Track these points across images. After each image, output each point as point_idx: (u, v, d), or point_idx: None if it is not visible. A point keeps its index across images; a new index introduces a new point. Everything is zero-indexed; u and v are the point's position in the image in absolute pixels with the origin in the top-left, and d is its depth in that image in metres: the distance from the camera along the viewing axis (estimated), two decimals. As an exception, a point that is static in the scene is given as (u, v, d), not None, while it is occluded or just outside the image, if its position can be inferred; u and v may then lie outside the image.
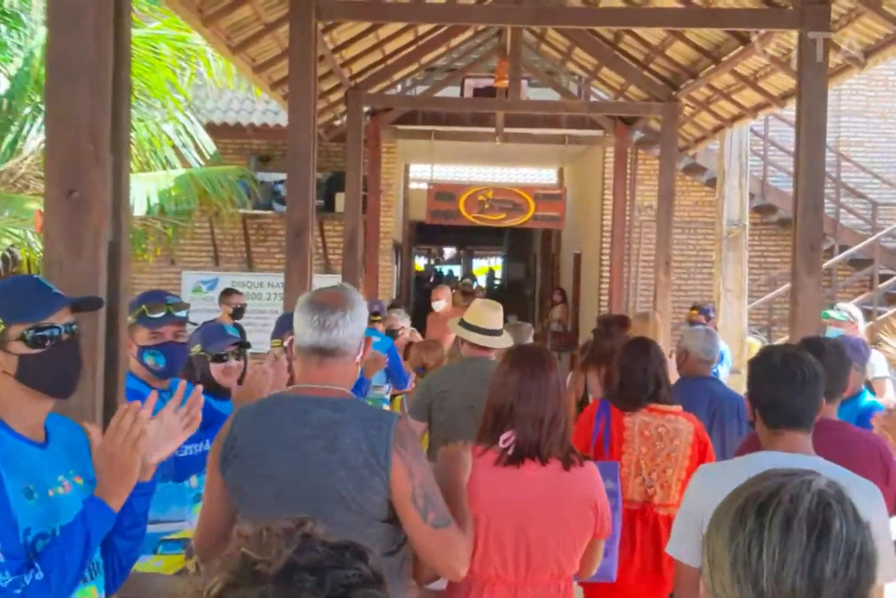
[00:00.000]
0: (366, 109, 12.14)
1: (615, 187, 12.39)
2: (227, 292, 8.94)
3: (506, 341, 4.27)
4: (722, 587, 1.21)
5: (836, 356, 3.25)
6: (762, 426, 2.68)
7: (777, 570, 1.16)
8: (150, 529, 2.68)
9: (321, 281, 12.02)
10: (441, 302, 9.95)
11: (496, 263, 36.59)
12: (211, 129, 11.89)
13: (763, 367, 2.69)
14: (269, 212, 12.94)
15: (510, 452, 2.83)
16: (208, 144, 8.46)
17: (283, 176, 13.11)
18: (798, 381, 2.59)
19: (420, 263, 35.01)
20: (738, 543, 1.19)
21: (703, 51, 8.67)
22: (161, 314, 3.35)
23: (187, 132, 8.37)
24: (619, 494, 3.57)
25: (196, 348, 3.83)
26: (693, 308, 8.16)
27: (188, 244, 13.50)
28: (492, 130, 12.26)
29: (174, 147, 8.33)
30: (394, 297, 14.23)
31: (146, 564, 3.20)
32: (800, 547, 1.16)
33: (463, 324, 4.34)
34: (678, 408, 4.10)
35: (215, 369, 3.81)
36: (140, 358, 3.35)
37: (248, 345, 3.95)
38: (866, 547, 1.18)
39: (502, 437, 2.83)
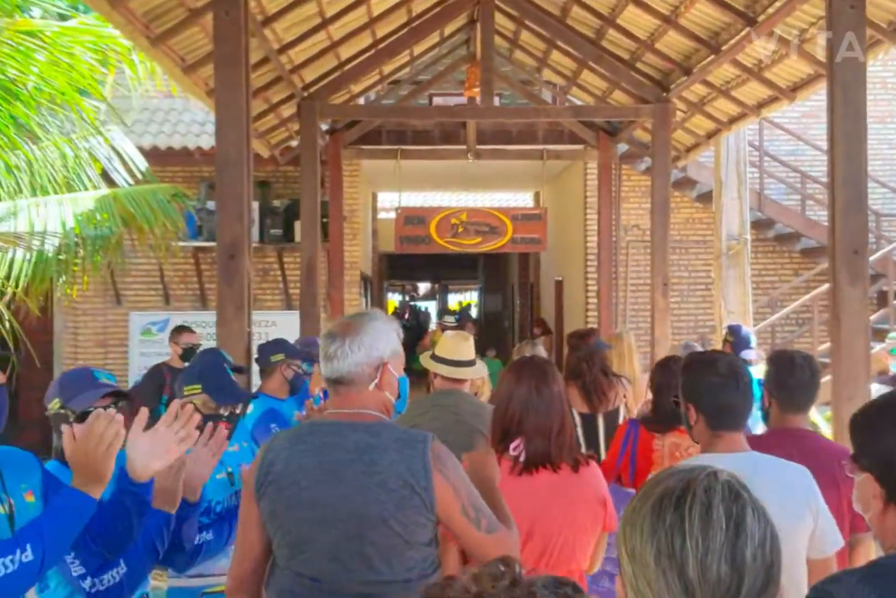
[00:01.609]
0: (324, 127, 11.12)
1: (600, 206, 11.32)
2: (178, 330, 7.76)
3: (479, 372, 4.11)
4: (646, 583, 1.23)
5: (808, 370, 3.31)
6: (703, 430, 2.82)
7: (702, 558, 1.20)
8: (194, 582, 3.15)
9: (281, 318, 10.70)
10: None
11: (472, 297, 35.52)
12: (154, 154, 10.79)
13: (708, 376, 2.80)
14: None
15: (522, 460, 2.95)
16: (139, 162, 7.29)
17: (236, 205, 12.05)
18: (741, 387, 2.78)
19: (394, 299, 33.96)
20: (659, 537, 1.22)
21: (699, 40, 7.64)
22: None
23: (113, 148, 7.20)
24: None
25: (54, 404, 2.75)
26: (728, 335, 7.07)
27: (135, 282, 12.34)
28: (463, 147, 11.21)
29: (97, 164, 7.16)
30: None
31: None
32: (721, 535, 1.20)
33: (434, 357, 4.10)
34: None
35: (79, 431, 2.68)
36: None
37: (125, 396, 2.80)
38: (774, 531, 1.25)
39: (511, 445, 2.94)
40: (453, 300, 36.78)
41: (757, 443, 2.90)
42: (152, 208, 6.54)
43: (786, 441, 3.08)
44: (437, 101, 12.92)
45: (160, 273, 11.99)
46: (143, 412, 2.43)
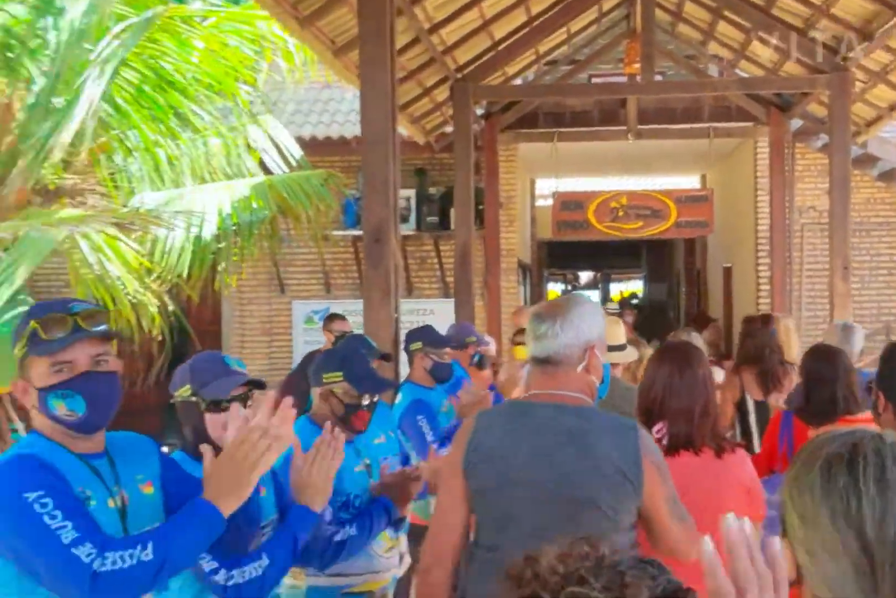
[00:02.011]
0: (479, 111, 10.90)
1: (772, 187, 10.69)
2: (330, 318, 7.74)
3: (629, 356, 4.20)
4: (821, 544, 1.24)
5: None
6: (891, 419, 2.85)
7: (879, 517, 1.20)
8: (334, 581, 3.07)
9: (438, 306, 10.57)
10: None
11: (636, 286, 34.68)
12: (313, 144, 10.85)
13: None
14: (378, 232, 11.74)
15: (664, 442, 2.94)
16: (294, 151, 7.25)
17: (401, 193, 11.96)
18: None
19: (555, 289, 33.51)
20: (834, 499, 1.23)
21: (881, 1, 7.00)
22: (65, 332, 2.08)
23: (269, 137, 7.18)
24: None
25: (184, 391, 2.58)
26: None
27: (297, 271, 12.47)
28: (623, 128, 10.78)
29: (254, 153, 7.16)
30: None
31: None
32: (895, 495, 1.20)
33: None
34: (868, 415, 3.71)
35: (213, 422, 2.53)
36: (44, 407, 2.10)
37: (262, 385, 2.63)
38: None
39: (655, 428, 2.93)
40: (616, 290, 36.02)
41: None
42: (307, 193, 6.47)
43: None
44: (596, 81, 12.53)
45: (321, 262, 12.07)
46: (287, 403, 2.22)
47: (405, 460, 3.94)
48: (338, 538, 2.86)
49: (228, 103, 7.11)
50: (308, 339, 12.67)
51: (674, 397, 3.04)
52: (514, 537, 2.36)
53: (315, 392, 3.20)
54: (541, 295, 20.17)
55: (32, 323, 2.08)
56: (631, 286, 35.56)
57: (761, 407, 5.24)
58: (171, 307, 6.76)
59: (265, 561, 2.40)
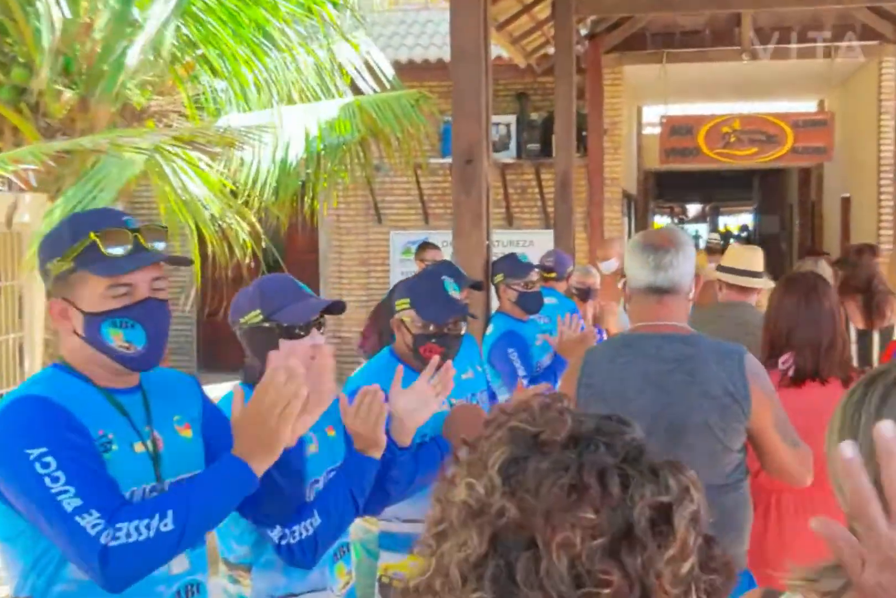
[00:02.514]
0: (583, 31, 10.38)
1: (898, 110, 9.94)
2: (423, 247, 7.52)
3: (767, 283, 4.11)
4: (829, 450, 1.23)
5: None
6: None
7: (870, 431, 1.05)
8: (409, 528, 2.78)
9: (538, 237, 10.19)
10: (612, 262, 7.41)
11: (747, 220, 33.48)
12: (410, 68, 10.53)
13: None
14: (477, 160, 11.39)
15: (791, 374, 2.98)
16: (387, 71, 6.93)
17: (495, 118, 11.54)
18: None
19: (662, 222, 32.63)
20: (845, 410, 1.24)
21: None
22: (126, 251, 1.83)
23: (360, 57, 6.88)
24: None
25: (253, 316, 2.32)
26: None
27: (396, 201, 12.26)
28: (737, 48, 10.13)
29: (345, 72, 6.87)
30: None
31: (401, 564, 2.88)
32: (891, 413, 1.15)
33: (720, 268, 4.17)
34: None
35: (288, 350, 2.27)
36: (94, 335, 1.84)
37: (341, 307, 2.41)
38: None
39: (781, 359, 2.97)
40: (726, 223, 34.90)
41: None
42: (396, 115, 6.17)
43: None
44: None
45: (419, 192, 11.81)
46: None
47: (492, 397, 3.70)
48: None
49: (316, 22, 6.81)
50: (405, 270, 12.48)
51: (800, 328, 3.04)
52: None
53: (392, 322, 2.96)
54: (646, 226, 19.59)
55: (92, 235, 1.81)
56: (742, 220, 34.43)
57: (863, 336, 5.31)
58: (262, 235, 6.61)
59: (317, 520, 2.18)
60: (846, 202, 13.65)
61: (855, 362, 4.90)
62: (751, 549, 2.63)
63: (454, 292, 2.94)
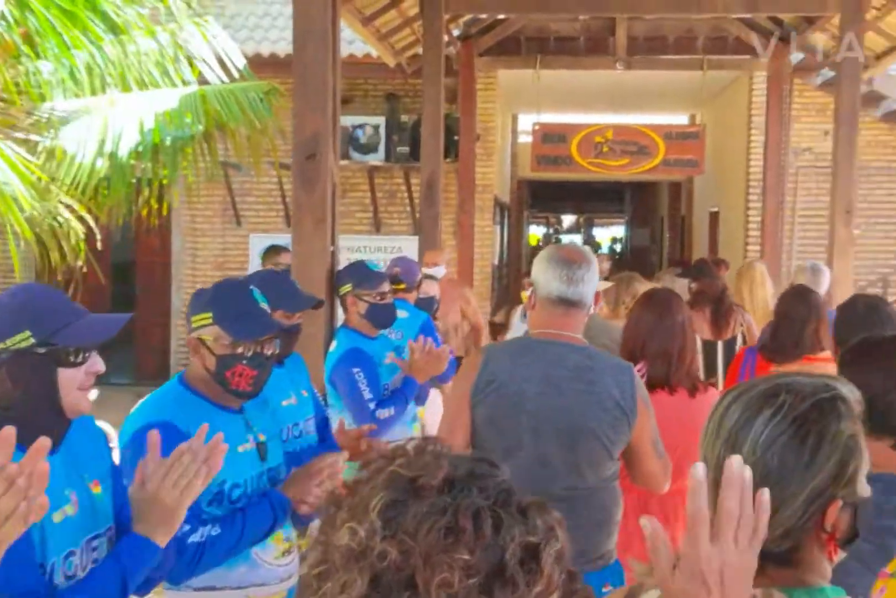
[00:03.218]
0: (456, 32, 9.99)
1: (768, 125, 9.89)
2: (273, 250, 6.91)
3: (604, 284, 4.38)
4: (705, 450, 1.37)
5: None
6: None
7: (712, 440, 1.34)
8: (201, 597, 2.47)
9: (407, 243, 9.67)
10: (440, 269, 6.77)
11: (618, 232, 33.85)
12: (273, 63, 9.94)
13: (850, 312, 3.37)
14: (343, 162, 10.86)
15: (643, 380, 3.03)
16: (237, 60, 6.36)
17: (363, 119, 11.10)
18: (880, 323, 3.25)
19: (537, 233, 32.66)
20: (709, 418, 1.37)
21: None
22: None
23: (208, 42, 6.30)
24: None
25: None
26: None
27: (256, 202, 11.62)
28: (611, 57, 9.91)
29: (190, 60, 6.27)
30: (495, 263, 12.03)
31: None
32: (730, 423, 1.31)
33: None
34: (828, 355, 3.90)
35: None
36: None
37: None
38: (805, 438, 1.29)
39: (636, 368, 2.95)
40: (599, 235, 35.23)
41: None
42: (242, 108, 5.62)
43: None
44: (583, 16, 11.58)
45: (282, 193, 11.20)
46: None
47: (323, 424, 3.21)
48: (194, 539, 2.13)
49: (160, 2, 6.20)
50: (267, 275, 11.90)
51: (654, 340, 3.26)
52: (519, 464, 2.45)
53: (188, 342, 2.41)
54: (520, 237, 19.37)
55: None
56: (613, 232, 34.81)
57: (709, 347, 5.47)
58: (99, 236, 5.95)
59: None
60: (715, 216, 13.68)
61: (700, 372, 5.13)
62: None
63: (265, 305, 2.44)
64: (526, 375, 2.60)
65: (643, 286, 5.49)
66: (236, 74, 6.43)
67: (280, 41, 10.59)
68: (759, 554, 1.09)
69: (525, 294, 4.91)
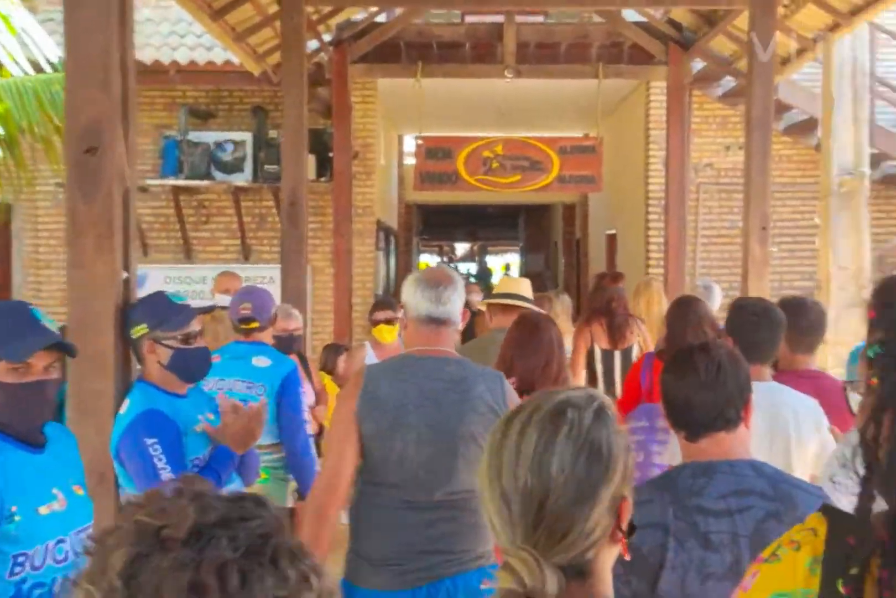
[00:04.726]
0: (327, 37, 9.00)
1: (670, 139, 9.11)
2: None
3: (532, 306, 4.63)
4: (482, 487, 1.36)
5: (818, 313, 3.70)
6: None
7: (513, 468, 1.32)
8: None
9: (278, 273, 8.61)
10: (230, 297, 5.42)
11: (513, 259, 33.23)
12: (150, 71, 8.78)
13: (743, 313, 3.38)
14: (204, 182, 9.72)
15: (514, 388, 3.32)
16: (50, 52, 5.23)
17: (227, 135, 9.98)
18: (771, 327, 3.28)
19: (430, 261, 31.79)
20: (490, 448, 1.37)
21: None
22: None
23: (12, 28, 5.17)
24: (658, 430, 4.02)
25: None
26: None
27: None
28: (500, 65, 9.04)
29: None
30: (379, 293, 10.97)
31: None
32: (530, 448, 1.32)
33: (492, 296, 4.85)
34: None
35: None
36: None
37: None
38: (599, 449, 1.33)
39: (509, 381, 3.16)
40: (493, 262, 34.55)
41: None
42: (41, 102, 4.50)
43: (796, 380, 3.34)
44: (470, 19, 10.75)
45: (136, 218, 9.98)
46: None
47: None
48: None
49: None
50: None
51: (522, 357, 3.54)
52: (404, 472, 2.73)
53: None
54: (409, 265, 18.37)
55: None
56: (508, 258, 34.15)
57: (606, 355, 5.89)
58: None
59: None
60: (612, 239, 12.95)
61: (600, 381, 5.90)
62: None
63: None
64: (405, 390, 2.77)
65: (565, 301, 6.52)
66: (49, 69, 5.32)
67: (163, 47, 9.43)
68: (561, 571, 1.25)
69: (375, 330, 4.97)
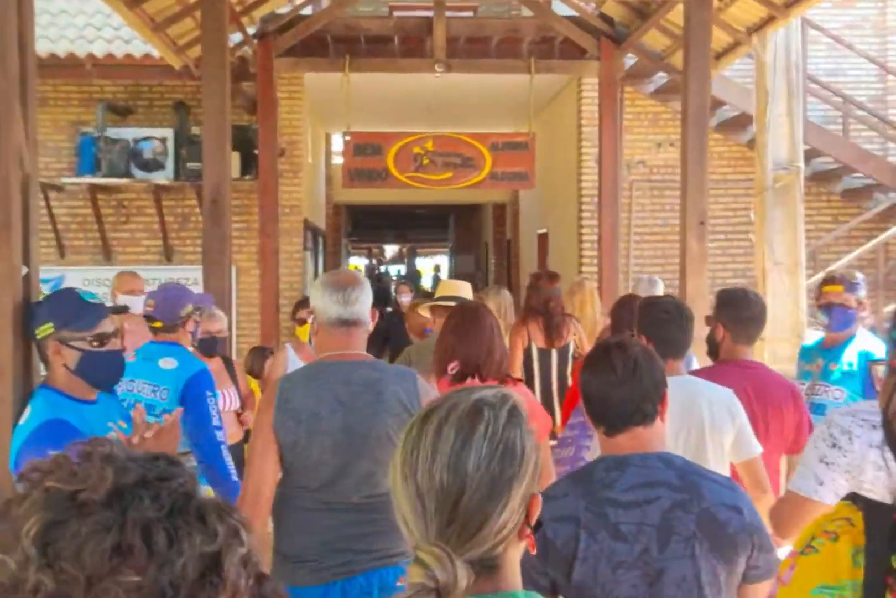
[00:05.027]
0: (251, 30, 8.69)
1: (602, 136, 8.96)
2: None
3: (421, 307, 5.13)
4: (394, 484, 1.35)
5: (759, 305, 3.74)
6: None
7: (429, 466, 1.31)
8: None
9: (201, 274, 8.24)
10: (138, 299, 5.15)
11: (442, 261, 33.03)
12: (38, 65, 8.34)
13: (654, 311, 3.44)
14: (124, 181, 9.33)
15: (454, 373, 3.51)
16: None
17: (148, 131, 9.60)
18: (683, 324, 3.38)
19: (359, 264, 31.44)
20: (404, 446, 1.36)
21: None
22: None
23: None
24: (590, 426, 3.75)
25: None
26: (830, 283, 4.73)
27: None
28: (430, 59, 8.83)
29: None
30: (307, 294, 10.66)
31: None
32: (448, 446, 1.32)
33: (437, 299, 4.96)
34: None
35: None
36: None
37: None
38: (514, 447, 1.34)
39: (449, 367, 3.52)
40: (423, 264, 34.33)
41: (710, 373, 3.53)
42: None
43: (736, 370, 3.54)
44: (399, 13, 10.53)
45: (51, 219, 9.53)
46: None
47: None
48: None
49: None
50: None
51: (462, 342, 3.55)
52: (323, 478, 2.76)
53: None
54: (337, 266, 18.05)
55: None
56: (438, 260, 33.96)
57: (543, 354, 5.96)
58: None
59: None
60: (543, 238, 12.82)
61: (536, 379, 5.93)
62: None
63: None
64: (319, 396, 2.79)
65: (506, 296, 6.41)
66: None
67: (41, 39, 8.99)
68: (471, 566, 1.24)
69: (300, 330, 4.64)
